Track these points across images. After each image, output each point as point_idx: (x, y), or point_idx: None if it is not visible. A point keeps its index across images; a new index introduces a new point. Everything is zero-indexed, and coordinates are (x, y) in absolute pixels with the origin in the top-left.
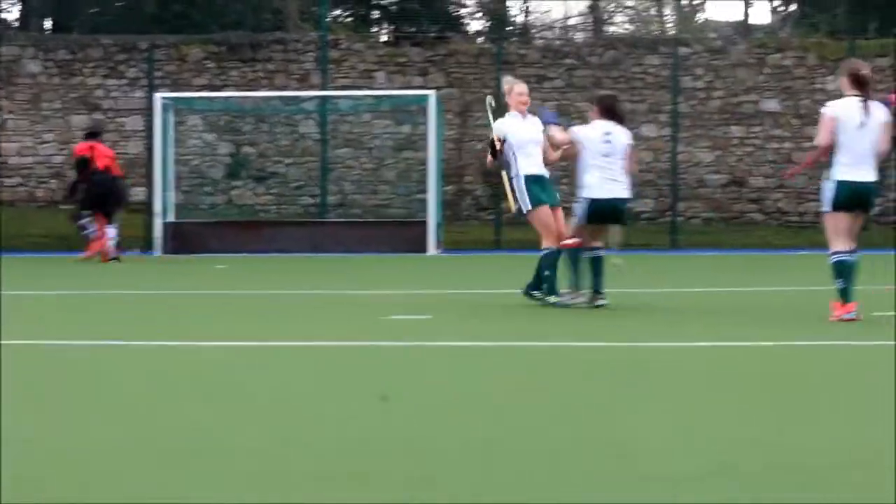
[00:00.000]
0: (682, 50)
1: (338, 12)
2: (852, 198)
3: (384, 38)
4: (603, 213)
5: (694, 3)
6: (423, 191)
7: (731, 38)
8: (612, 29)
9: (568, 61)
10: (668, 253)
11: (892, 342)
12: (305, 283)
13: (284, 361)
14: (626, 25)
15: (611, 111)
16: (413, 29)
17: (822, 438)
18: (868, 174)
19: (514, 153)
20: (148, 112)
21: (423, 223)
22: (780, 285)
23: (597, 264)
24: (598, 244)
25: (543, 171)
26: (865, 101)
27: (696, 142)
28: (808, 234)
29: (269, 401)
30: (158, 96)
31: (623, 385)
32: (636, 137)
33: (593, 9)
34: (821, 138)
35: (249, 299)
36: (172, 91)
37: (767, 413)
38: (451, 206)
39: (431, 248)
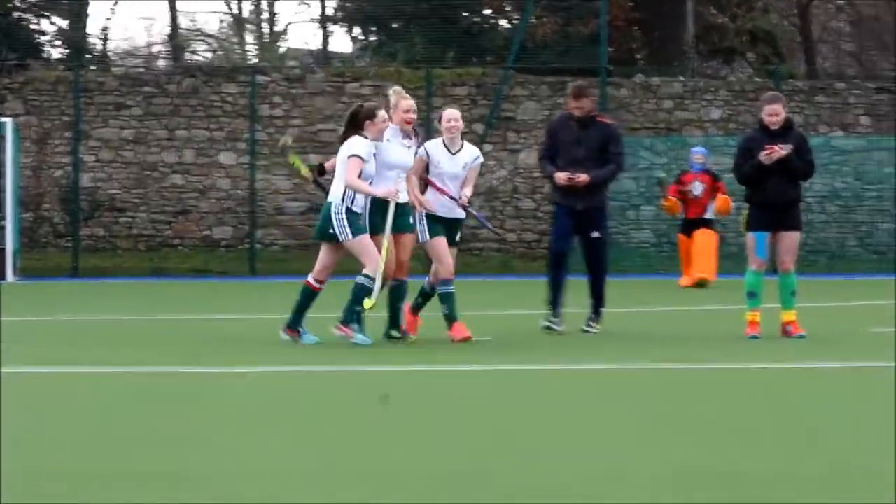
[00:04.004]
0: (261, 78)
1: None
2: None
3: None
4: None
5: (275, 31)
6: (1, 218)
7: (310, 67)
8: (192, 57)
9: (147, 89)
10: (247, 280)
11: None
12: None
13: None
14: (207, 53)
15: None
16: None
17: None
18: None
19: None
20: None
21: (2, 250)
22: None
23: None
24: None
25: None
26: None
27: (273, 169)
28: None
29: None
30: None
31: (200, 412)
32: (216, 165)
33: (173, 37)
34: None
35: None
36: None
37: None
38: (28, 233)
39: (9, 275)
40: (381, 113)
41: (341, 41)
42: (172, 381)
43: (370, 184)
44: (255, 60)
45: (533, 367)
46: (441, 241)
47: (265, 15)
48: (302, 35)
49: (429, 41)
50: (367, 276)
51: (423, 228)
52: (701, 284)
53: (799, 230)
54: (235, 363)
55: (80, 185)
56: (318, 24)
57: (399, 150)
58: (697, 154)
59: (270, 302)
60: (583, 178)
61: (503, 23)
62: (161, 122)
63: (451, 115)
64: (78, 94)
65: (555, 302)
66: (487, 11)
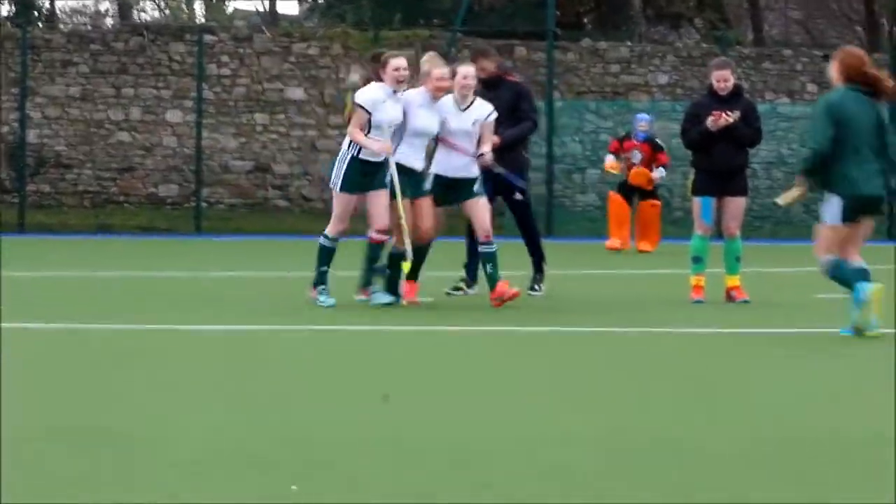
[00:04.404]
0: (208, 37)
1: None
2: None
3: None
4: None
5: None
6: None
7: (257, 27)
8: (140, 15)
9: (94, 47)
10: (193, 238)
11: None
12: None
13: None
14: (154, 12)
15: None
16: None
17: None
18: None
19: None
20: None
21: None
22: (303, 270)
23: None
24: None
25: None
26: None
27: (220, 128)
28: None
29: None
30: None
31: (140, 370)
32: (162, 123)
33: None
34: None
35: None
36: None
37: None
38: None
39: None
40: (438, 71)
41: (289, 2)
42: (115, 338)
43: (398, 139)
44: (202, 20)
45: (472, 328)
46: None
47: None
48: None
49: (377, 3)
50: (326, 236)
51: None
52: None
53: (745, 196)
54: (178, 321)
55: (26, 142)
56: None
57: (428, 116)
58: (642, 122)
59: (215, 259)
60: (494, 139)
61: None
62: (108, 79)
63: (466, 72)
64: (25, 52)
65: (469, 267)
66: None
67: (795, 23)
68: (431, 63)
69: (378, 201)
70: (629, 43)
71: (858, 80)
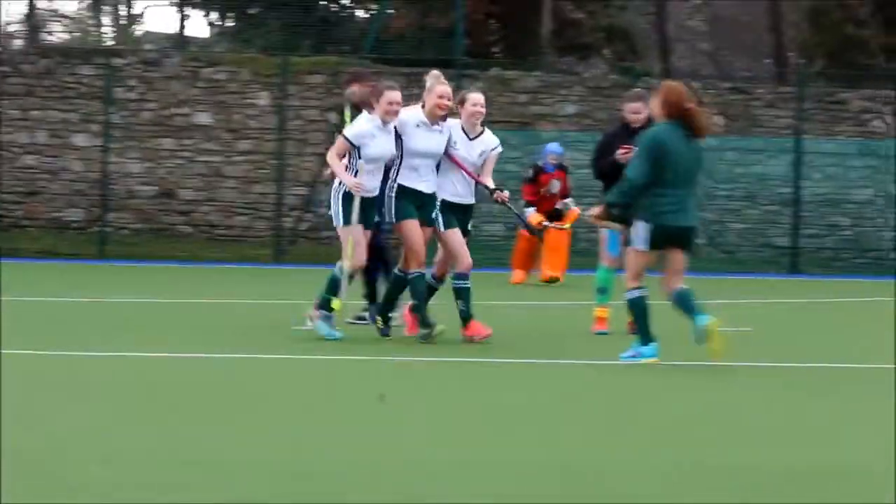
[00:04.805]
0: (117, 61)
1: None
2: None
3: None
4: None
5: (132, 13)
6: None
7: (166, 51)
8: (49, 38)
9: (1, 69)
10: (97, 263)
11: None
12: None
13: None
14: (63, 35)
15: None
16: None
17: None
18: None
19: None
20: None
21: None
22: (206, 297)
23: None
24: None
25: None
26: None
27: (127, 153)
28: (235, 247)
29: None
30: None
31: (45, 394)
32: (68, 147)
33: (29, 17)
34: None
35: None
36: None
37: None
38: None
39: None
40: (441, 88)
41: (199, 26)
42: (15, 363)
43: (397, 168)
44: (111, 43)
45: (384, 358)
46: (433, 232)
47: None
48: (159, 18)
49: (286, 28)
50: (341, 267)
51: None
52: (552, 281)
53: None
54: (77, 347)
55: None
56: (175, 8)
57: (427, 137)
58: (552, 155)
59: (118, 285)
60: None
61: (360, 13)
62: (15, 102)
63: (478, 100)
64: None
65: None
66: (345, 1)
67: (704, 55)
68: (436, 79)
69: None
70: (537, 73)
71: (678, 116)
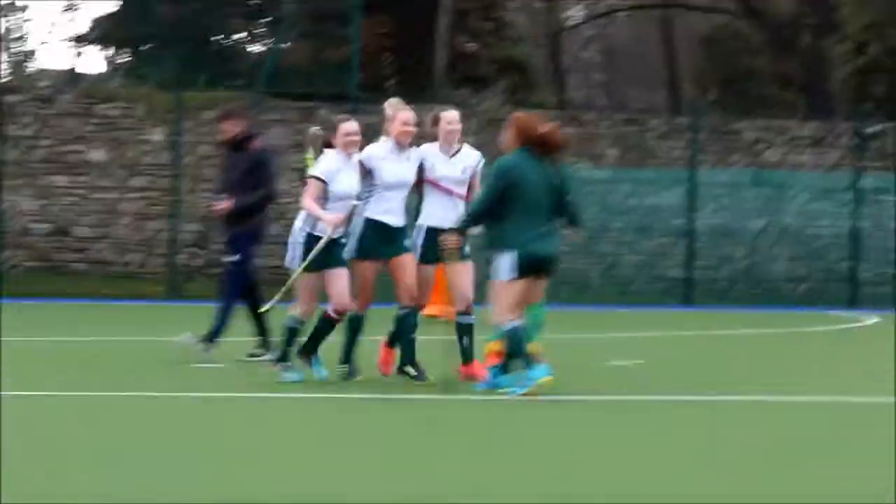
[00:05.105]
0: (10, 98)
1: None
2: None
3: None
4: None
5: (25, 51)
6: None
7: (60, 88)
8: None
9: None
10: None
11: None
12: None
13: None
14: None
15: None
16: None
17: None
18: None
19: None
20: None
21: None
22: (103, 335)
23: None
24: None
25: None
26: None
27: (21, 190)
28: (130, 284)
29: None
30: None
31: None
32: None
33: None
34: None
35: None
36: None
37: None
38: None
39: None
40: (404, 114)
41: (94, 62)
42: None
43: (366, 202)
44: (4, 79)
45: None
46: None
47: (16, 34)
48: (54, 55)
49: (180, 63)
50: (294, 317)
51: (418, 250)
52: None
53: None
54: None
55: None
56: (70, 44)
57: (396, 166)
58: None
59: (14, 324)
60: (220, 207)
61: (255, 47)
62: None
63: (452, 118)
64: None
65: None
66: (239, 35)
67: (598, 86)
68: (395, 107)
69: (337, 281)
70: (432, 106)
71: (533, 142)
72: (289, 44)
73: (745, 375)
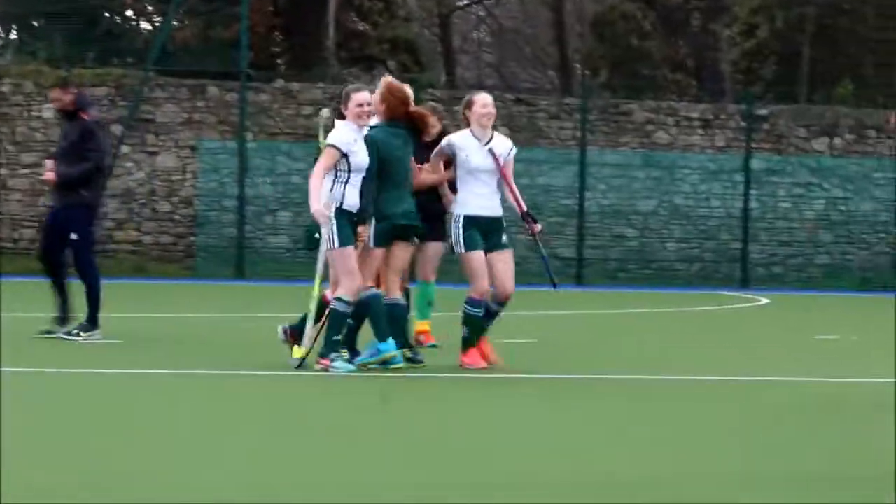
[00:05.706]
0: None
1: None
2: None
3: None
4: None
5: None
6: None
7: None
8: None
9: None
10: None
11: None
12: None
13: None
14: None
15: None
16: None
17: None
18: None
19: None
20: None
21: None
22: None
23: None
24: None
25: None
26: None
27: None
28: (22, 260)
29: None
30: None
31: None
32: None
33: None
34: None
35: None
36: None
37: None
38: None
39: None
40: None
41: None
42: None
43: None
44: None
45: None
46: (479, 256)
47: None
48: None
49: (69, 41)
50: (340, 299)
51: (458, 238)
52: None
53: (443, 241)
54: None
55: None
56: None
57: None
58: None
59: None
60: (48, 175)
61: (145, 25)
62: None
63: (487, 100)
64: None
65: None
66: (129, 13)
67: (489, 66)
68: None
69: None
70: (322, 84)
71: (400, 118)
72: (178, 22)
73: (636, 354)
